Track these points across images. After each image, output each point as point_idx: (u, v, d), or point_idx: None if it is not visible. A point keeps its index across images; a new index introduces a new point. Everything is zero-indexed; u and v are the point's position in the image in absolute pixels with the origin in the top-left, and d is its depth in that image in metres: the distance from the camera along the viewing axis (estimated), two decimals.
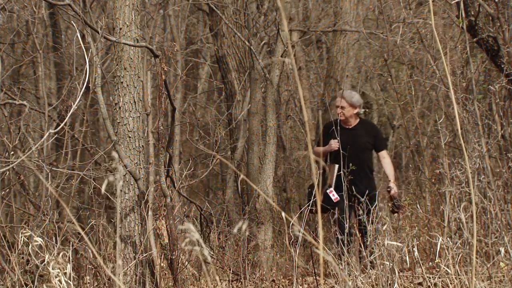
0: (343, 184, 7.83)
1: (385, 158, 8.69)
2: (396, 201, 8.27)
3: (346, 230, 7.36)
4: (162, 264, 6.53)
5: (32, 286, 5.53)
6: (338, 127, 8.30)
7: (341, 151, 8.25)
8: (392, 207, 8.25)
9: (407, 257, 5.77)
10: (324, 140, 8.53)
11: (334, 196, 8.32)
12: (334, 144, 8.42)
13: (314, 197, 8.17)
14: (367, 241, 7.05)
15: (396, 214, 8.35)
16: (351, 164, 8.00)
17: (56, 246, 5.51)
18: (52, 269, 4.36)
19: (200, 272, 7.63)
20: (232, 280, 7.13)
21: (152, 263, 6.37)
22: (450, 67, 8.49)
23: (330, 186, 8.42)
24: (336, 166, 8.34)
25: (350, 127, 8.62)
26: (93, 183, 7.36)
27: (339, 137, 8.33)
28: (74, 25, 6.54)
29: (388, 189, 8.38)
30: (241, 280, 6.81)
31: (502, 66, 7.25)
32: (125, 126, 6.53)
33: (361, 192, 7.76)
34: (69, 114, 5.33)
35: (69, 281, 4.64)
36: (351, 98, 8.59)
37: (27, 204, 8.43)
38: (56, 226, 6.25)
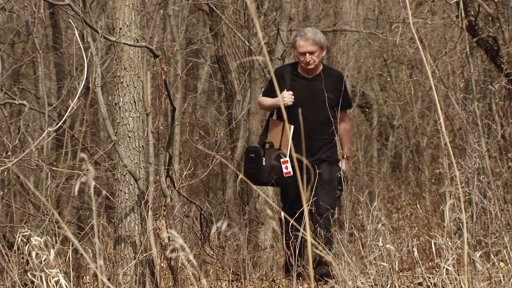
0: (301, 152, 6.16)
1: (344, 122, 6.79)
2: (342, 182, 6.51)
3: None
4: (162, 264, 6.53)
5: (32, 286, 5.53)
6: (294, 76, 6.66)
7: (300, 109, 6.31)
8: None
9: (397, 257, 5.78)
10: (273, 90, 6.68)
11: (287, 169, 6.50)
12: (288, 97, 6.56)
13: (252, 163, 6.60)
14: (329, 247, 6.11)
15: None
16: (308, 126, 6.25)
17: (55, 245, 5.51)
18: (51, 269, 4.36)
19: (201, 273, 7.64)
20: (232, 280, 7.13)
21: (152, 263, 6.37)
22: (450, 67, 8.50)
23: (282, 155, 6.51)
24: (292, 127, 6.45)
25: (311, 76, 6.72)
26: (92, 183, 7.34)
27: (295, 88, 6.61)
28: (74, 24, 6.54)
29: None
30: (241, 280, 6.81)
31: (502, 66, 7.25)
32: (125, 126, 6.53)
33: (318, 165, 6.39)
34: (67, 114, 5.33)
35: (68, 282, 4.65)
36: (319, 38, 6.67)
37: (27, 204, 8.43)
38: (56, 226, 6.25)
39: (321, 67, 6.75)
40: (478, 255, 5.31)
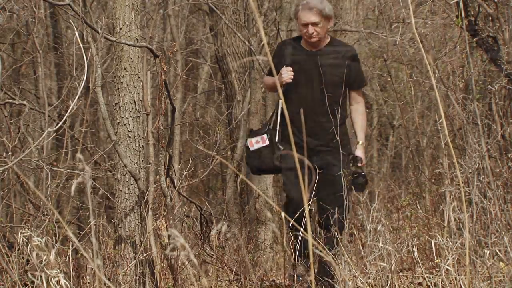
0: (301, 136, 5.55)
1: (358, 103, 5.97)
2: (359, 174, 5.81)
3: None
4: (162, 264, 6.53)
5: (32, 286, 5.53)
6: (295, 50, 5.87)
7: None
8: (352, 181, 5.78)
9: (397, 257, 5.78)
10: (276, 67, 5.84)
11: (254, 145, 5.73)
12: (286, 74, 5.74)
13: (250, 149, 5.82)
14: (331, 247, 5.69)
15: (359, 192, 5.92)
16: (310, 107, 5.62)
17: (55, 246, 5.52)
18: (51, 269, 4.36)
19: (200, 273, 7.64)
20: (232, 280, 7.13)
21: (152, 263, 6.37)
22: (449, 67, 8.50)
23: (263, 132, 5.76)
24: (280, 102, 5.73)
25: (315, 50, 5.89)
26: (92, 183, 7.37)
27: (296, 63, 5.81)
28: (74, 24, 6.55)
29: (352, 158, 5.85)
30: (241, 280, 6.81)
31: (502, 66, 7.25)
32: (125, 126, 6.53)
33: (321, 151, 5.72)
34: (67, 114, 5.33)
35: (68, 282, 4.65)
36: (324, 7, 5.83)
37: (27, 204, 8.43)
38: (56, 226, 6.26)
39: (328, 40, 5.93)
40: (478, 255, 5.32)
